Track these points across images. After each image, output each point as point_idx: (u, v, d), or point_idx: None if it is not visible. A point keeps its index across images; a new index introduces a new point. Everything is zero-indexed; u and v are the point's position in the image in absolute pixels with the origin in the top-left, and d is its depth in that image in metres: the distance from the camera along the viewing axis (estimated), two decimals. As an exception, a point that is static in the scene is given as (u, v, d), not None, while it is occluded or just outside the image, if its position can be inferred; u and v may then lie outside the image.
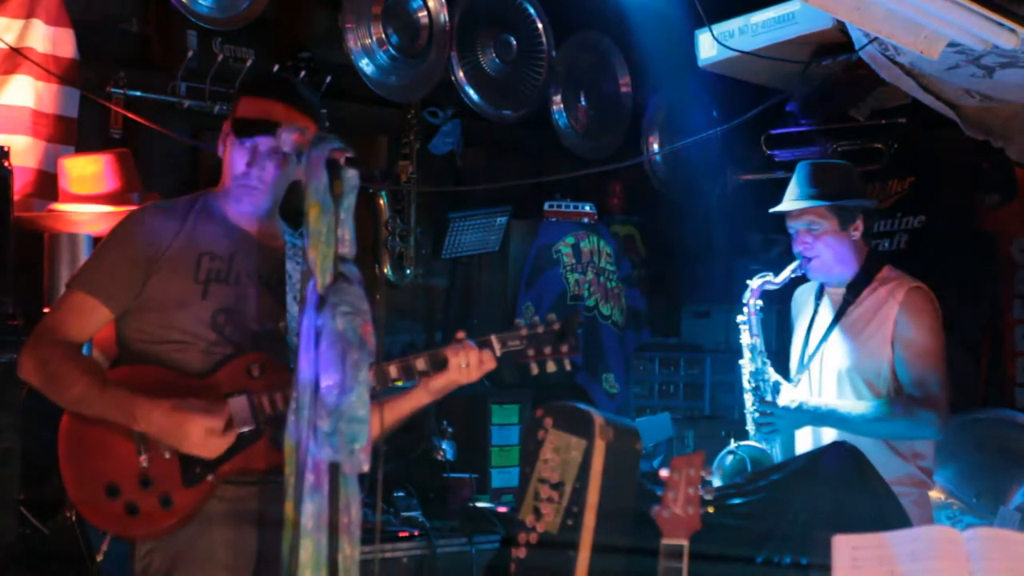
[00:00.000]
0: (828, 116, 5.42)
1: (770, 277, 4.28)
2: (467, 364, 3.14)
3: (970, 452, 4.70)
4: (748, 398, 4.24)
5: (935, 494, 4.64)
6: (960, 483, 4.61)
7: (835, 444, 3.50)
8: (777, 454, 4.16)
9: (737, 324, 4.38)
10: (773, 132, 5.61)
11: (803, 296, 4.37)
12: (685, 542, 2.78)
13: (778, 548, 3.05)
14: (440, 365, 3.13)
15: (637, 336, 6.18)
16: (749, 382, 4.25)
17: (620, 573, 3.14)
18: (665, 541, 2.80)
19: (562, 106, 5.73)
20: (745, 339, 4.30)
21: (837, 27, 4.45)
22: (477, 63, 5.36)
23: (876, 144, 5.45)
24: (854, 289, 4.11)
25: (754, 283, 4.32)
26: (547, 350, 3.18)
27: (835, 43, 4.63)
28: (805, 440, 4.15)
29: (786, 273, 4.22)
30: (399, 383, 3.15)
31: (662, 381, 6.22)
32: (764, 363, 4.24)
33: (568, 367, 3.21)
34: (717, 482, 3.95)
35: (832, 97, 5.18)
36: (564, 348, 3.19)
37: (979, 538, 2.67)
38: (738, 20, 4.96)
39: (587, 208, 5.98)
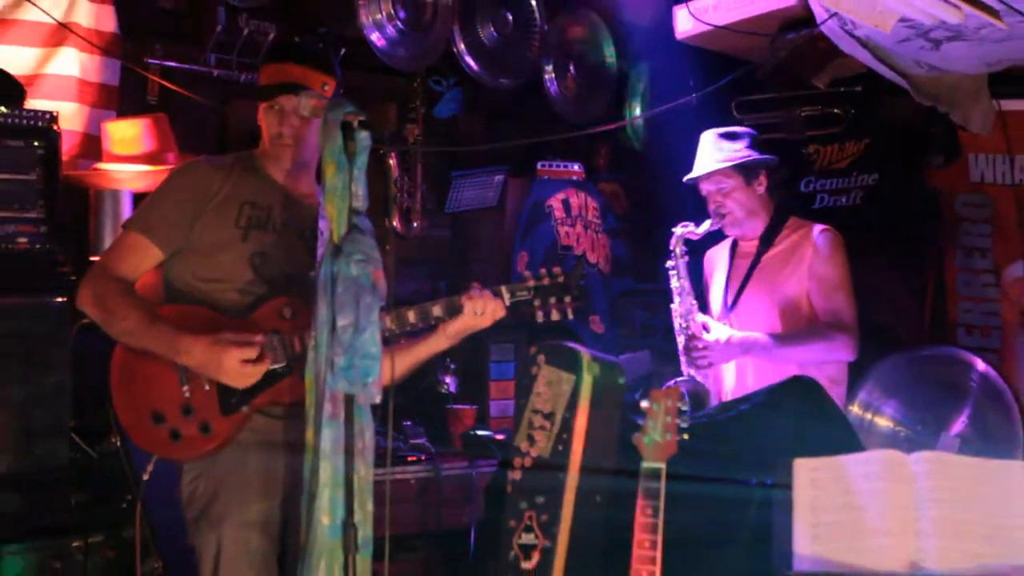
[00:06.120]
0: (793, 84, 5.38)
1: (692, 227, 4.25)
2: (481, 311, 3.15)
3: (915, 385, 4.68)
4: (680, 339, 4.21)
5: (883, 422, 4.66)
6: (906, 413, 4.61)
7: (796, 378, 3.52)
8: (712, 383, 4.17)
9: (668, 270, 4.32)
10: (743, 99, 5.56)
11: (715, 255, 4.39)
12: (663, 465, 2.79)
13: (746, 470, 3.07)
14: (455, 311, 3.14)
15: (621, 282, 6.17)
16: (680, 324, 4.23)
17: (605, 492, 3.15)
18: (645, 464, 2.81)
19: (553, 75, 5.68)
20: (674, 283, 4.26)
21: (800, 3, 4.41)
22: (477, 36, 5.31)
23: (835, 109, 5.42)
24: (766, 239, 4.17)
25: (678, 231, 4.28)
26: (552, 301, 3.17)
27: (799, 18, 4.58)
28: (730, 373, 4.19)
29: (705, 227, 4.21)
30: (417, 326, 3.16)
31: (643, 322, 6.20)
32: (692, 304, 4.21)
33: (572, 317, 3.20)
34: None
35: (796, 66, 5.13)
36: (568, 299, 3.18)
37: (924, 461, 2.70)
38: (712, -3, 4.91)
39: (576, 167, 5.95)
